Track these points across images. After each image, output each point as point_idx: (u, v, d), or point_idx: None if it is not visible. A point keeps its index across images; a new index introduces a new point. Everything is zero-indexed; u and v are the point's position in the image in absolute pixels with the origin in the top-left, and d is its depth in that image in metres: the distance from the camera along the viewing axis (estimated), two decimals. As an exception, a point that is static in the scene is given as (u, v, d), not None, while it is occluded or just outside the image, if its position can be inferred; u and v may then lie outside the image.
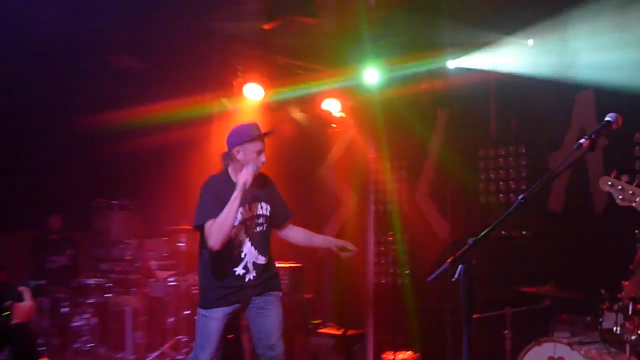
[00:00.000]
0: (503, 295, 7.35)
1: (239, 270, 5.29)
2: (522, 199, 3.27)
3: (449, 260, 3.09)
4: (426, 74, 8.93)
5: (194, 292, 8.96)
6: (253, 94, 9.25)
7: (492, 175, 8.77)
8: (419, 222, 9.42)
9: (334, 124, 10.14)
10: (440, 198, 9.30)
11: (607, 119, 3.45)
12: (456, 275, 3.08)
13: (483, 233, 3.18)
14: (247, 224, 5.28)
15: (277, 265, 5.66)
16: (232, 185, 5.08)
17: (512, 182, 8.61)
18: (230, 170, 5.33)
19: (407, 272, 9.12)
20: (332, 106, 9.76)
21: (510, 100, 8.54)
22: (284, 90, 9.47)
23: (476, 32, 7.85)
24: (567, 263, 7.70)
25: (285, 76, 9.33)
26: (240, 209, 5.14)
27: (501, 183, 8.70)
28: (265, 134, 5.32)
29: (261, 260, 5.37)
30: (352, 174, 10.13)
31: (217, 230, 4.91)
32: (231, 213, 4.94)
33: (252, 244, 5.33)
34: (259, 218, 5.36)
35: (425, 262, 8.84)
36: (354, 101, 9.88)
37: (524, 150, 8.55)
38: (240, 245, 5.26)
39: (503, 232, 8.34)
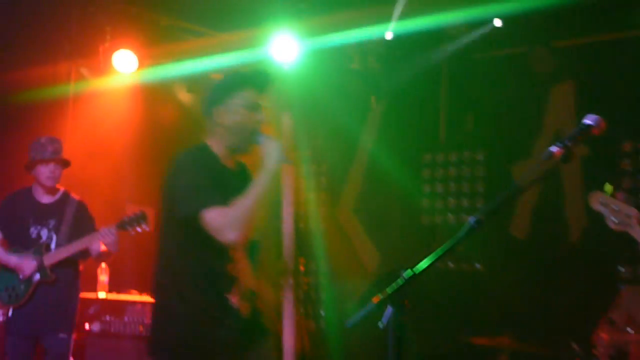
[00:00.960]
0: (447, 348, 7.45)
1: (232, 298, 4.52)
2: (475, 221, 3.28)
3: (375, 299, 3.07)
4: (358, 47, 8.92)
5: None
6: (124, 65, 9.12)
7: (439, 189, 8.89)
8: (341, 247, 9.42)
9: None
10: (370, 215, 9.35)
11: (585, 122, 3.42)
12: (383, 320, 3.05)
13: (422, 265, 3.15)
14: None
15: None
16: (219, 163, 4.55)
17: (465, 199, 8.73)
18: (211, 142, 4.63)
19: (323, 313, 9.10)
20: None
21: (466, 90, 8.69)
22: (166, 62, 9.39)
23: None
24: (531, 307, 7.84)
25: (169, 43, 9.24)
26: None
27: (451, 199, 8.83)
28: (262, 77, 4.73)
29: (252, 285, 4.69)
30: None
31: (237, 219, 4.26)
32: (263, 189, 4.35)
33: (251, 261, 4.73)
34: None
35: (349, 300, 8.83)
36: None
37: (481, 158, 8.70)
38: (235, 259, 4.56)
39: (450, 264, 8.45)
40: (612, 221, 4.27)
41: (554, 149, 3.31)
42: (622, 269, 7.80)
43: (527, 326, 7.08)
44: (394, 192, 9.05)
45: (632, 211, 4.24)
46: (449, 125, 8.84)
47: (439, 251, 3.23)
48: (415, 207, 8.91)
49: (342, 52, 8.98)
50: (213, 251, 4.34)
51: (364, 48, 8.92)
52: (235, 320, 4.48)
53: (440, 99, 8.83)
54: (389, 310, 3.07)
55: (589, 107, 3.57)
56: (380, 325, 3.07)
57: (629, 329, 6.18)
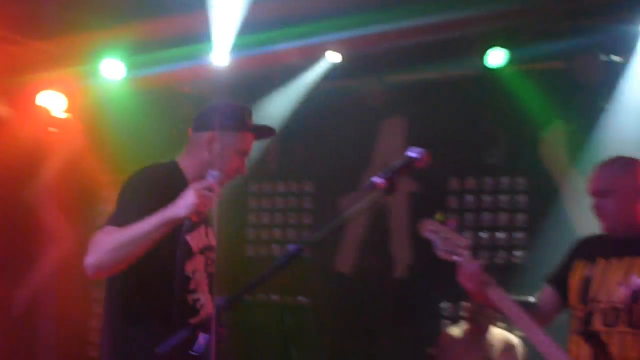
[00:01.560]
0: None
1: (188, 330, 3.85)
2: (294, 250, 3.20)
3: (190, 325, 3.11)
4: (190, 72, 8.74)
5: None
6: None
7: (265, 219, 8.80)
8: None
9: (54, 127, 9.71)
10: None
11: (409, 154, 3.38)
12: (197, 348, 2.97)
13: (237, 294, 3.19)
14: (207, 257, 4.17)
15: None
16: (184, 184, 3.99)
17: (291, 230, 8.68)
18: (183, 162, 4.22)
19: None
20: (53, 102, 9.34)
21: (297, 119, 8.60)
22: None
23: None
24: (355, 343, 7.82)
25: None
26: (200, 229, 4.11)
27: (277, 230, 8.74)
28: (266, 129, 4.40)
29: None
30: (75, 200, 9.73)
31: (110, 246, 3.73)
32: (148, 231, 3.72)
33: (211, 293, 4.17)
34: (212, 251, 4.26)
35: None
36: (86, 97, 9.52)
37: (310, 189, 8.65)
38: (196, 290, 4.07)
39: (273, 296, 8.34)
40: (442, 250, 4.16)
41: (377, 179, 3.26)
42: (446, 306, 7.90)
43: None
44: (218, 221, 8.80)
45: (462, 241, 4.16)
46: (279, 154, 8.72)
47: (255, 280, 3.24)
48: (240, 237, 8.76)
49: (172, 76, 8.76)
50: (165, 278, 3.87)
51: (195, 73, 8.71)
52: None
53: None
54: (203, 337, 3.03)
55: (418, 142, 3.51)
56: (193, 352, 3.02)
57: None
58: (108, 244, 3.73)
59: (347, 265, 8.32)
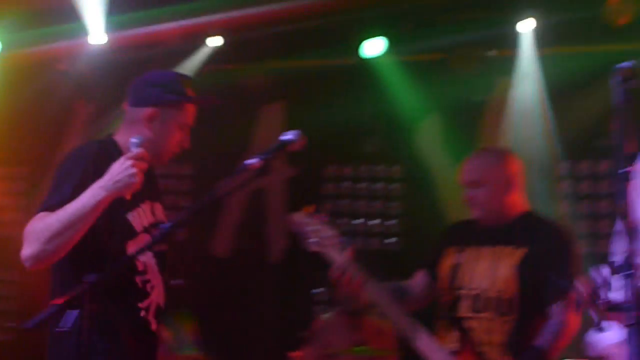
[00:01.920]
0: None
1: (143, 310, 3.75)
2: (162, 233, 3.22)
3: (58, 301, 2.88)
4: (64, 42, 8.40)
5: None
6: None
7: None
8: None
9: None
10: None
11: (283, 137, 3.34)
12: (63, 324, 2.85)
13: (107, 273, 3.14)
14: (152, 235, 3.81)
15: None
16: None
17: (168, 211, 8.55)
18: (118, 136, 3.85)
19: (12, 324, 8.62)
20: None
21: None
22: None
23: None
24: (231, 326, 7.77)
25: None
26: (143, 206, 3.77)
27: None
28: (209, 99, 4.20)
29: (162, 302, 3.88)
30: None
31: (45, 234, 3.41)
32: (83, 212, 3.41)
33: (162, 274, 3.86)
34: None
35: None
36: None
37: (189, 172, 8.55)
38: (145, 270, 3.75)
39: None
40: (311, 242, 4.24)
41: (250, 161, 3.26)
42: (319, 291, 7.92)
43: (227, 346, 6.95)
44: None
45: (331, 233, 4.23)
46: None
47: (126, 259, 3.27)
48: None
49: (49, 53, 8.49)
50: (110, 259, 3.53)
51: (72, 51, 8.45)
52: (145, 334, 3.74)
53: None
54: (71, 313, 2.89)
55: (296, 128, 3.47)
56: (60, 328, 2.89)
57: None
58: (43, 232, 3.42)
59: (224, 249, 8.27)
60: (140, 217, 3.71)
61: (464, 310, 4.23)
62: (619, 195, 2.66)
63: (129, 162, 3.39)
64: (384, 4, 7.39)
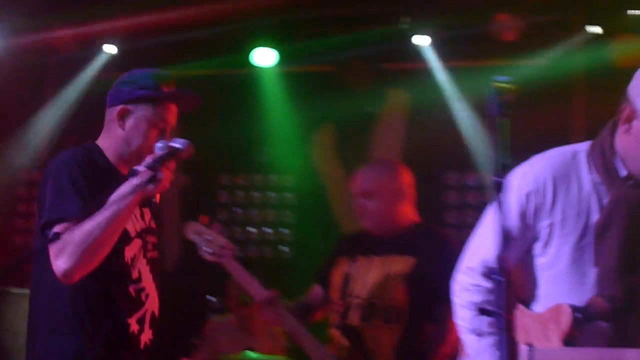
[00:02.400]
0: None
1: (133, 324, 3.55)
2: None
3: None
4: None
5: None
6: None
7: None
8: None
9: None
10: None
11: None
12: None
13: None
14: (145, 241, 3.68)
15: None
16: (110, 169, 3.56)
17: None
18: (100, 141, 3.71)
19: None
20: None
21: (76, 108, 8.33)
22: None
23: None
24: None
25: None
26: (134, 212, 3.54)
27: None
28: (189, 97, 3.79)
29: (157, 311, 3.72)
30: None
31: (78, 244, 3.25)
32: (119, 214, 3.29)
33: (155, 281, 3.70)
34: (153, 234, 3.77)
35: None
36: None
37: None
38: (139, 278, 3.58)
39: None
40: (206, 251, 4.26)
41: (138, 168, 3.18)
42: (213, 299, 7.93)
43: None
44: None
45: (225, 242, 4.25)
46: (56, 145, 8.33)
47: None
48: (6, 226, 8.36)
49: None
50: (105, 268, 3.36)
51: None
52: (131, 344, 3.55)
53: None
54: None
55: (189, 137, 3.36)
56: None
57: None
58: (76, 243, 3.24)
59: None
60: (133, 222, 3.55)
61: (354, 318, 4.27)
62: (494, 203, 2.73)
63: (157, 163, 3.27)
64: (275, 14, 7.37)
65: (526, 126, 6.81)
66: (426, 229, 4.49)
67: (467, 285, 3.37)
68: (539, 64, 7.00)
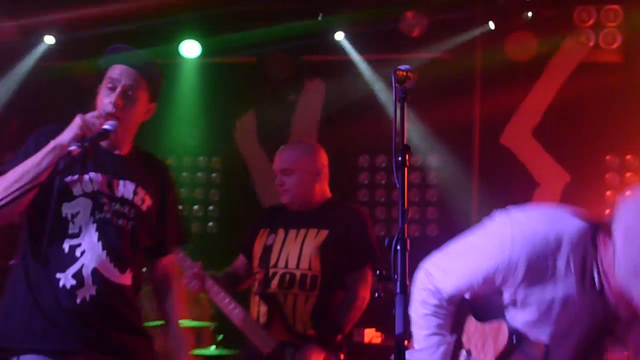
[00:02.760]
0: None
1: (64, 278, 3.39)
2: None
3: None
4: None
5: None
6: None
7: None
8: None
9: None
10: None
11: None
12: None
13: None
14: (98, 202, 3.53)
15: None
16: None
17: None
18: None
19: None
20: None
21: (17, 95, 8.20)
22: None
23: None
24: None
25: None
26: (91, 175, 3.47)
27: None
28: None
29: (115, 277, 3.47)
30: None
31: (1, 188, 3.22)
32: (35, 162, 3.24)
33: (101, 240, 3.48)
34: (124, 205, 3.60)
35: None
36: None
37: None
38: (79, 233, 3.44)
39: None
40: None
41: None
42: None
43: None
44: None
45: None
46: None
47: None
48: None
49: None
50: (41, 222, 3.31)
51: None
52: (63, 298, 3.36)
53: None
54: None
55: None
56: None
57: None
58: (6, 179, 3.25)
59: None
60: (83, 183, 3.44)
61: (273, 286, 4.29)
62: (398, 180, 2.69)
63: (87, 116, 3.31)
64: (199, 8, 7.33)
65: (434, 114, 6.94)
66: (338, 203, 4.52)
67: (429, 295, 3.18)
68: (443, 57, 7.10)
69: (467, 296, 3.22)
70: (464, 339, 3.29)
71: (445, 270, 3.13)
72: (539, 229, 2.96)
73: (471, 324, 3.33)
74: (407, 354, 2.63)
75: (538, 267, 2.94)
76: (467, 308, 3.28)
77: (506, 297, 3.08)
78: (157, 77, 3.65)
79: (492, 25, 6.93)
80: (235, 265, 4.61)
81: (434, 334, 3.15)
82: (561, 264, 2.94)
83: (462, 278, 3.06)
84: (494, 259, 2.98)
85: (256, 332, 4.24)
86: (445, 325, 3.15)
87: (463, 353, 3.26)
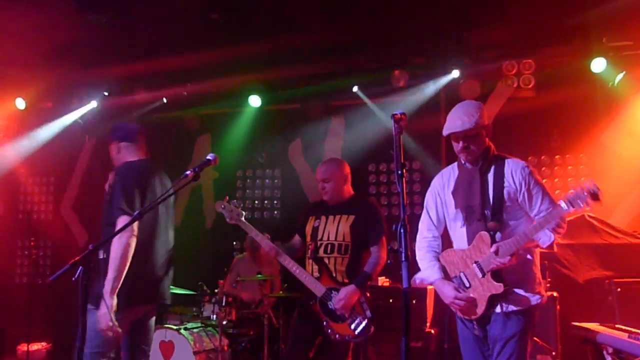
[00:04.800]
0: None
1: None
2: (137, 214, 3.02)
3: (70, 262, 2.65)
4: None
5: None
6: None
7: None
8: (60, 230, 8.44)
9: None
10: (83, 210, 8.47)
11: (208, 158, 3.24)
12: (76, 276, 2.65)
13: (99, 243, 2.89)
14: None
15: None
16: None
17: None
18: None
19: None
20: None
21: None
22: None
23: None
24: (183, 268, 7.48)
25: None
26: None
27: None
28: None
29: None
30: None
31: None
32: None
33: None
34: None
35: (65, 264, 7.85)
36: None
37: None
38: None
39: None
40: (228, 217, 4.26)
41: (188, 172, 3.13)
42: (235, 243, 7.81)
43: (179, 279, 6.71)
44: (101, 194, 8.14)
45: (240, 212, 4.24)
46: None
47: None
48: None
49: None
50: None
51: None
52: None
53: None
54: (80, 269, 2.66)
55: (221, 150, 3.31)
56: (73, 279, 2.62)
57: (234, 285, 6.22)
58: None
59: (177, 219, 7.88)
60: None
61: (321, 252, 4.19)
62: (399, 186, 2.70)
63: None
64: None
65: (416, 131, 6.81)
66: (360, 197, 4.40)
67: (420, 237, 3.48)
68: (419, 98, 6.95)
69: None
70: (455, 268, 3.27)
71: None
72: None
73: (454, 256, 3.30)
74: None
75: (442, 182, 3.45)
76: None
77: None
78: None
79: (456, 73, 6.72)
80: (292, 242, 4.48)
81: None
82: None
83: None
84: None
85: (311, 282, 4.13)
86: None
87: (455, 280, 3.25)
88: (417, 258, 3.43)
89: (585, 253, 5.74)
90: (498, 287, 3.13)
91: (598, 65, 6.28)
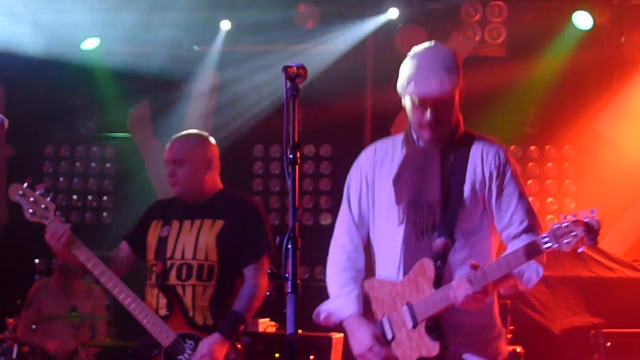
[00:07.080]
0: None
1: None
2: None
3: None
4: None
5: None
6: None
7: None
8: None
9: None
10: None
11: None
12: None
13: None
14: None
15: None
16: None
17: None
18: None
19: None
20: None
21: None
22: None
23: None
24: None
25: None
26: None
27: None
28: None
29: None
30: None
31: None
32: None
33: None
34: None
35: None
36: None
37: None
38: None
39: None
40: (29, 212, 4.07)
41: None
42: (37, 261, 7.76)
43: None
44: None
45: (49, 204, 4.07)
46: None
47: None
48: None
49: None
50: None
51: None
52: None
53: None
54: None
55: (17, 110, 3.25)
56: None
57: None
58: None
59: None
60: None
61: (171, 278, 4.15)
62: (289, 177, 2.71)
63: None
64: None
65: (327, 105, 6.89)
66: (231, 194, 4.39)
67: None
68: (336, 49, 7.05)
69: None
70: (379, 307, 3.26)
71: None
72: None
73: (381, 289, 3.29)
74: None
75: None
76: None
77: None
78: None
79: (393, 13, 6.86)
80: (116, 251, 4.38)
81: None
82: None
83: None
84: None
85: (154, 324, 4.08)
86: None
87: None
88: (327, 279, 3.40)
89: (564, 290, 5.98)
90: (432, 347, 3.04)
91: (582, 20, 6.59)
